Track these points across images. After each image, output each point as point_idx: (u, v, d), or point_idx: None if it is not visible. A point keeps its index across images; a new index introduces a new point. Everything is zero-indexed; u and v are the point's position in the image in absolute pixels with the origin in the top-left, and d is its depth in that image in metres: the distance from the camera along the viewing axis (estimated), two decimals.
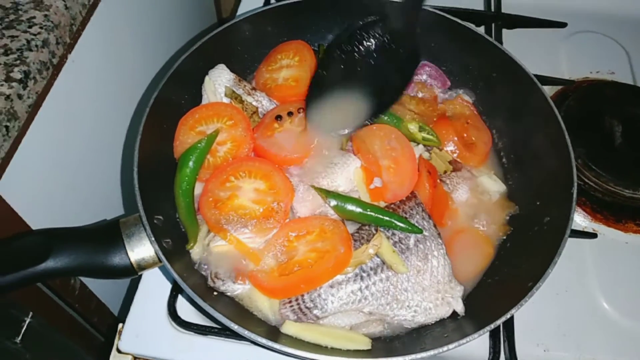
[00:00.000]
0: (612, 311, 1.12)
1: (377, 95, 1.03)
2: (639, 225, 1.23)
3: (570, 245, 1.14)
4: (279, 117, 1.08)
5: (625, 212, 1.24)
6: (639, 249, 1.20)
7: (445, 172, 1.09)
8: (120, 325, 1.04)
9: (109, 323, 1.45)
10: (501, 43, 1.41)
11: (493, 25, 1.47)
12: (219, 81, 1.13)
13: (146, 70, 1.52)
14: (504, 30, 1.46)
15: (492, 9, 1.52)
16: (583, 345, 1.07)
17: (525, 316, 1.05)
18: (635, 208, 1.24)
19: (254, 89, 1.16)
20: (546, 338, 1.08)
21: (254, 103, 1.13)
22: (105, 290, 1.42)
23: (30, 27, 0.99)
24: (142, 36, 1.51)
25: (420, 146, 1.09)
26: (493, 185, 1.10)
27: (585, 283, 1.15)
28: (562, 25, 1.53)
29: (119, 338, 1.03)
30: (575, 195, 0.95)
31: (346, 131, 1.04)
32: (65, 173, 1.19)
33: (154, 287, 1.08)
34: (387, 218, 0.97)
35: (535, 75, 1.12)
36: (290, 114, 1.08)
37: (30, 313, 1.16)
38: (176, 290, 1.05)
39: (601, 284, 1.15)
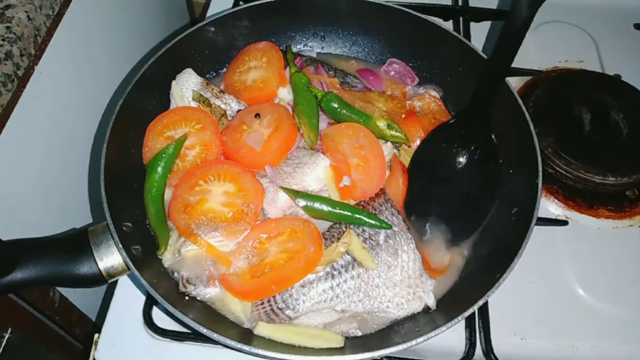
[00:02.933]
0: (587, 297, 1.13)
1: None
2: (611, 210, 1.24)
3: (544, 232, 1.17)
4: (258, 115, 1.08)
5: (597, 199, 1.25)
6: (611, 234, 1.21)
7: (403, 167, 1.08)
8: (96, 335, 1.04)
9: (91, 333, 1.44)
10: (469, 36, 1.43)
11: (461, 19, 1.48)
12: (186, 85, 1.13)
13: (118, 75, 1.52)
14: (472, 24, 1.47)
15: (460, 2, 1.53)
16: (560, 331, 1.08)
17: (501, 305, 1.06)
18: (606, 194, 1.25)
19: (221, 91, 1.15)
20: (522, 326, 1.08)
21: (222, 106, 1.13)
22: (86, 300, 1.41)
23: None
24: (113, 41, 1.50)
25: (389, 144, 1.09)
26: None
27: (560, 270, 1.16)
28: None
29: (95, 348, 1.02)
30: (540, 186, 0.96)
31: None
32: (34, 183, 1.18)
33: (130, 295, 1.08)
34: (356, 215, 0.97)
35: None
36: (257, 115, 1.08)
37: (9, 329, 1.15)
38: (151, 299, 1.04)
39: (575, 270, 1.16)
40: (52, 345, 1.34)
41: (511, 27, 0.94)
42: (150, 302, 1.04)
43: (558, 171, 1.26)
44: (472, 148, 1.06)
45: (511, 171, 1.06)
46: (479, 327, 1.02)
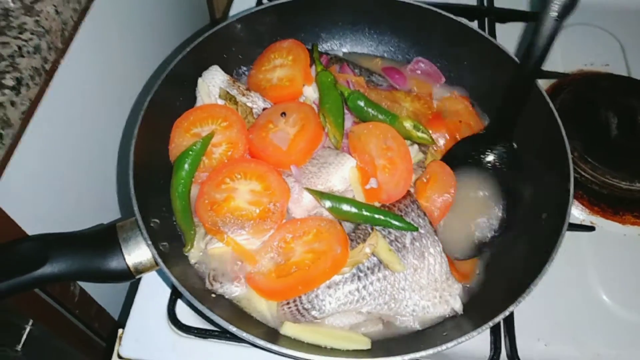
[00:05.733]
0: (612, 304, 1.12)
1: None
2: (637, 217, 1.23)
3: (569, 238, 1.14)
4: (284, 114, 1.07)
5: (623, 204, 1.24)
6: (637, 241, 1.20)
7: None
8: (120, 330, 1.04)
9: (110, 328, 1.45)
10: (495, 37, 1.41)
11: (486, 19, 1.46)
12: (212, 83, 1.13)
13: (140, 72, 1.52)
14: (497, 25, 1.46)
15: (485, 3, 1.51)
16: (583, 338, 1.07)
17: (525, 311, 1.04)
18: (632, 200, 1.24)
19: (248, 89, 1.15)
20: (546, 332, 1.08)
21: (249, 104, 1.12)
22: (105, 295, 1.42)
23: (21, 33, 0.99)
24: (135, 38, 1.51)
25: (415, 146, 1.09)
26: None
27: (584, 276, 1.15)
28: None
29: (119, 343, 1.02)
30: (572, 191, 0.95)
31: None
32: (61, 178, 1.19)
33: (153, 291, 1.08)
34: (382, 217, 0.96)
35: None
36: (283, 114, 1.07)
37: (31, 320, 1.16)
38: (175, 294, 1.05)
39: (600, 276, 1.15)
40: (72, 338, 1.34)
41: (539, 34, 0.96)
42: (174, 299, 1.04)
43: (584, 176, 1.25)
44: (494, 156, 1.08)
45: (538, 174, 1.05)
46: (504, 332, 1.02)
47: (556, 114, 1.04)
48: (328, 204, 0.98)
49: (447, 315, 0.95)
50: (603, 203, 1.25)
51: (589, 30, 1.55)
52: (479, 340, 1.02)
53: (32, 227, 1.08)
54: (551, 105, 1.06)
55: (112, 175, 1.41)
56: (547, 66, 1.38)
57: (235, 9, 1.52)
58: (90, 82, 1.27)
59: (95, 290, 1.36)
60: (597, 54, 1.50)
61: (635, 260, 1.17)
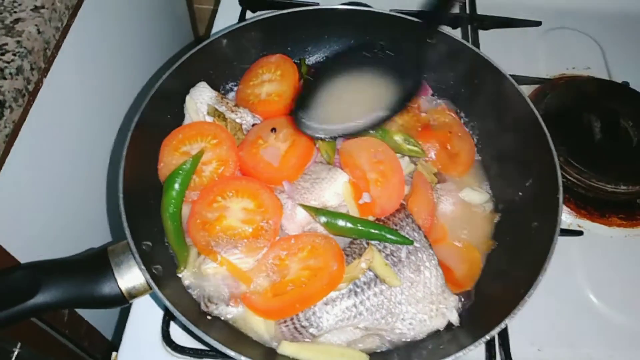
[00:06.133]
0: (602, 306, 1.13)
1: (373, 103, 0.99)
2: (622, 219, 1.25)
3: (557, 242, 1.17)
4: (274, 130, 1.07)
5: (609, 207, 1.26)
6: (624, 243, 1.22)
7: (430, 183, 1.09)
8: (114, 354, 1.03)
9: (101, 347, 1.43)
10: (478, 45, 1.43)
11: (469, 27, 1.47)
12: (200, 99, 1.12)
13: (126, 90, 1.50)
14: (480, 32, 1.47)
15: (467, 10, 1.52)
16: (576, 341, 1.09)
17: (518, 316, 1.05)
18: (618, 202, 1.26)
19: (236, 105, 1.14)
20: (539, 337, 1.09)
21: (238, 120, 1.12)
22: (94, 314, 1.40)
23: (2, 54, 0.97)
24: (119, 56, 1.49)
25: (406, 158, 1.09)
26: (476, 197, 1.10)
27: (574, 279, 1.17)
28: (537, 23, 1.55)
29: None
30: (561, 200, 0.96)
31: (334, 135, 0.99)
32: (49, 202, 1.16)
33: (147, 312, 1.06)
34: (377, 231, 0.97)
35: (514, 76, 1.12)
36: (273, 129, 1.07)
37: (19, 343, 1.14)
38: (169, 315, 1.03)
39: (589, 279, 1.16)
40: (62, 359, 1.32)
41: None
42: (168, 319, 1.03)
43: (569, 180, 1.26)
44: None
45: (527, 184, 1.07)
46: (499, 339, 1.02)
47: (542, 122, 1.05)
48: (323, 219, 0.98)
49: (444, 328, 0.95)
50: (590, 206, 1.26)
51: (569, 34, 1.58)
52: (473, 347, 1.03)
53: (22, 253, 1.06)
54: (536, 113, 1.07)
55: (102, 197, 1.39)
56: (530, 71, 1.43)
57: (218, 26, 1.51)
58: (75, 102, 1.25)
59: (85, 310, 1.34)
60: (579, 58, 1.52)
61: (623, 262, 1.19)
